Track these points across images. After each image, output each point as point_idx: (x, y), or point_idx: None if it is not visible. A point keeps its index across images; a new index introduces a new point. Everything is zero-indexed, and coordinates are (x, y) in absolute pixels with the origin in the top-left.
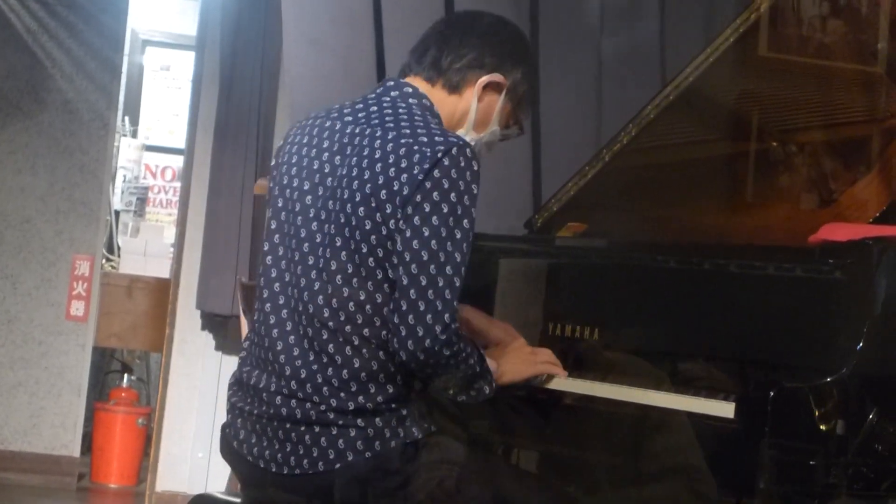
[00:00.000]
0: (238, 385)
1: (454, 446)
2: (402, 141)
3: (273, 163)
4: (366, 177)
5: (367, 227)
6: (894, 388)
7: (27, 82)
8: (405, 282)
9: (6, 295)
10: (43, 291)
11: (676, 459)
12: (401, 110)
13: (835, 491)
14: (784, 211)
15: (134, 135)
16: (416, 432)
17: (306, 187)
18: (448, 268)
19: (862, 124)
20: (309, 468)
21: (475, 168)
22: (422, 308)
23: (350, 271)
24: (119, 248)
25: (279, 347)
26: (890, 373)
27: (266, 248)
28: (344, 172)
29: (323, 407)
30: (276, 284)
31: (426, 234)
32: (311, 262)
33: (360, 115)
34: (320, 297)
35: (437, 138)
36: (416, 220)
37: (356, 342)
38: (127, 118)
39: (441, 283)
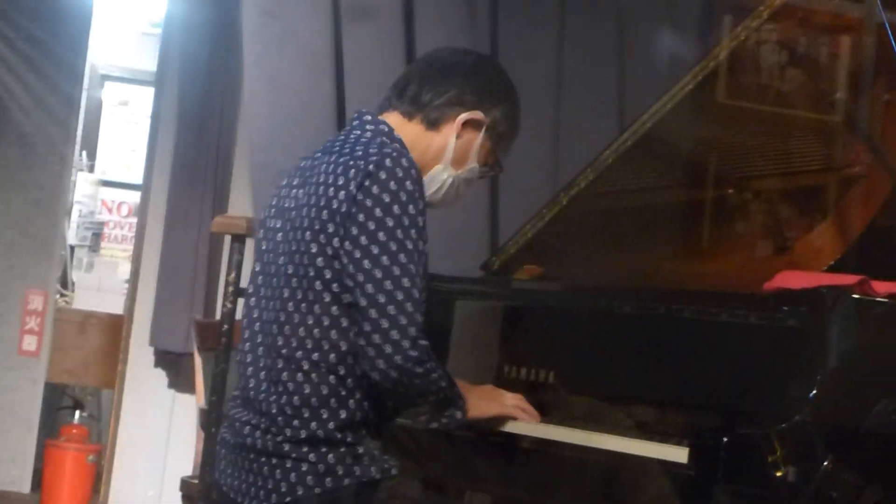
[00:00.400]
0: (227, 420)
1: (412, 489)
2: (341, 160)
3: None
4: (312, 202)
5: (314, 251)
6: (848, 435)
7: None
8: (364, 303)
9: None
10: None
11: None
12: (352, 137)
13: None
14: (739, 258)
15: (91, 169)
16: (373, 472)
17: (278, 226)
18: (405, 280)
19: (818, 173)
20: (264, 499)
21: (415, 176)
22: (385, 325)
23: (299, 297)
24: (73, 284)
25: (252, 384)
26: (844, 420)
27: (251, 290)
28: (301, 203)
29: (279, 437)
30: (256, 324)
31: (375, 251)
32: (275, 295)
33: (326, 149)
34: (275, 325)
35: (371, 150)
36: (363, 239)
37: (305, 367)
38: (84, 153)
39: (400, 297)
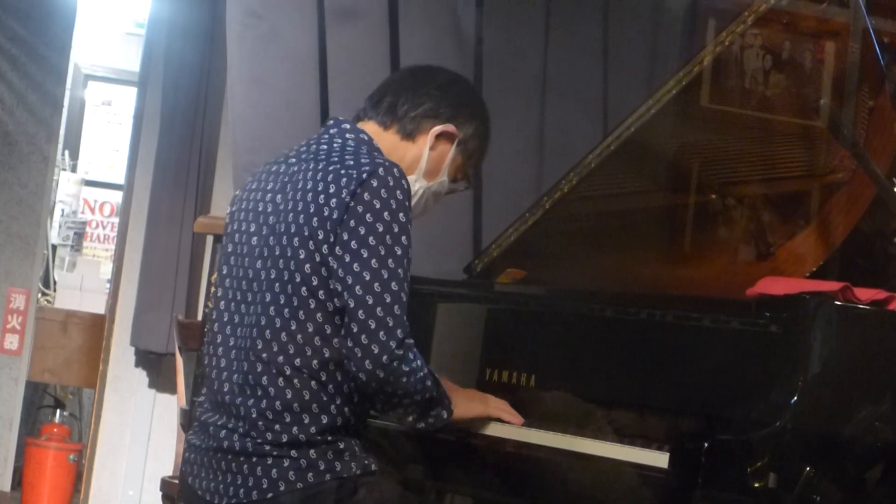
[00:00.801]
0: (196, 424)
1: (393, 493)
2: (331, 168)
3: (227, 212)
4: (299, 208)
5: (302, 257)
6: (830, 441)
7: None
8: (352, 305)
9: None
10: None
11: None
12: (335, 145)
13: None
14: (722, 263)
15: (73, 169)
16: (354, 468)
17: (252, 229)
18: (393, 283)
19: (802, 179)
20: (244, 497)
21: (405, 186)
22: (373, 326)
23: (283, 302)
24: (55, 283)
25: (226, 388)
26: (825, 426)
27: (219, 293)
28: (282, 208)
29: (259, 440)
30: (228, 327)
31: (365, 255)
32: (255, 300)
33: (302, 155)
34: (255, 329)
35: (363, 160)
36: (353, 244)
37: (288, 372)
38: (67, 152)
39: (388, 300)
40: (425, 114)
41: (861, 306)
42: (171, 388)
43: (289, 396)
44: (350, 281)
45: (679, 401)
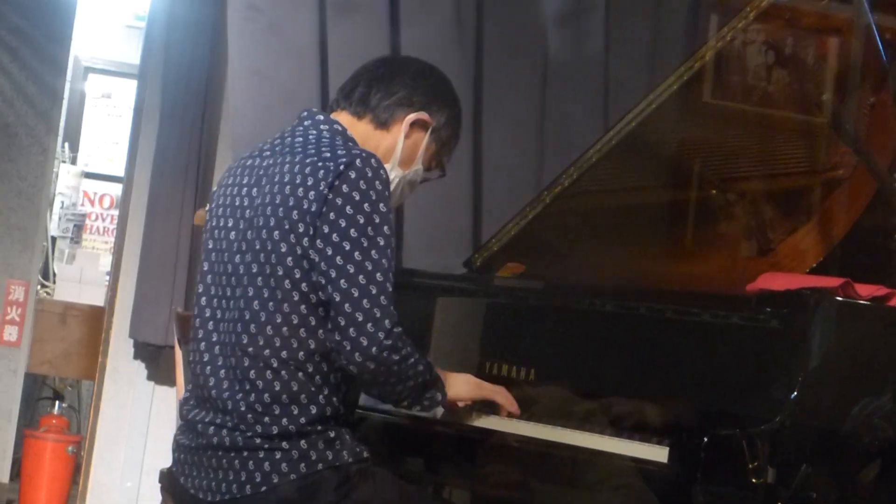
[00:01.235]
0: (183, 423)
1: (388, 479)
2: (308, 161)
3: (207, 207)
4: (277, 201)
5: (283, 250)
6: (828, 437)
7: None
8: (338, 298)
9: None
10: None
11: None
12: (311, 136)
13: None
14: (722, 259)
15: (73, 161)
16: (346, 456)
17: (230, 224)
18: (377, 274)
19: (802, 175)
20: (238, 492)
21: (384, 176)
22: (360, 318)
23: (266, 295)
24: (54, 275)
25: (211, 383)
26: (824, 422)
27: (200, 289)
28: (259, 202)
29: (249, 434)
30: (210, 323)
31: (347, 247)
32: (235, 294)
33: (276, 147)
34: (240, 324)
35: (339, 151)
36: (335, 236)
37: (275, 365)
38: (67, 144)
39: (374, 291)
40: (399, 102)
41: (861, 302)
42: (169, 381)
43: (277, 389)
44: (334, 274)
45: (679, 396)
